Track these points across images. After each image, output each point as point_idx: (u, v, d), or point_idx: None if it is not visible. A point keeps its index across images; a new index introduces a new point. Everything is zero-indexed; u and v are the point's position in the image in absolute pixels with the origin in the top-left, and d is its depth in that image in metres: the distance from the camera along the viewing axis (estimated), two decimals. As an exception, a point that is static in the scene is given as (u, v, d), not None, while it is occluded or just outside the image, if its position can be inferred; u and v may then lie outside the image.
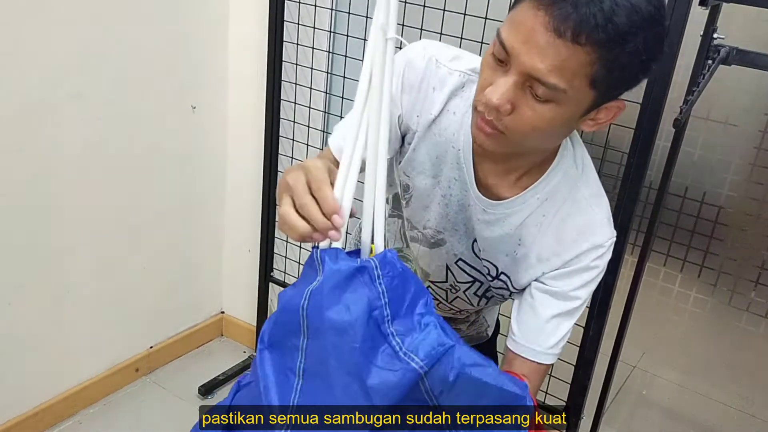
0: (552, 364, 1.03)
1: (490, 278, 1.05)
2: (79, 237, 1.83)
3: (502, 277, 1.03)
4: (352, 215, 0.77)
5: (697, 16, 1.29)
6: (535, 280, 1.00)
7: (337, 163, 0.79)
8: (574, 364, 1.62)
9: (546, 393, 1.73)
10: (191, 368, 2.25)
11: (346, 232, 1.49)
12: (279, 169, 2.07)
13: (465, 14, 1.58)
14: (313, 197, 0.75)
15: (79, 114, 1.73)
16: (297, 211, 0.75)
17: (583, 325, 1.59)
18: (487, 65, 0.83)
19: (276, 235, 2.15)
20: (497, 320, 1.40)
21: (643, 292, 1.63)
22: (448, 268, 1.09)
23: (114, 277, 1.98)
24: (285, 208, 0.76)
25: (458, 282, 1.10)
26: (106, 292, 1.97)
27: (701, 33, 1.31)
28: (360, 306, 0.72)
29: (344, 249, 0.77)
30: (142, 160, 1.94)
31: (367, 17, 1.79)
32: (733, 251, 2.10)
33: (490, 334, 1.37)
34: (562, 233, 0.96)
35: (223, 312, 2.42)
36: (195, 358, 2.31)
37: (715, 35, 1.30)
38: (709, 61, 1.31)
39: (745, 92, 2.06)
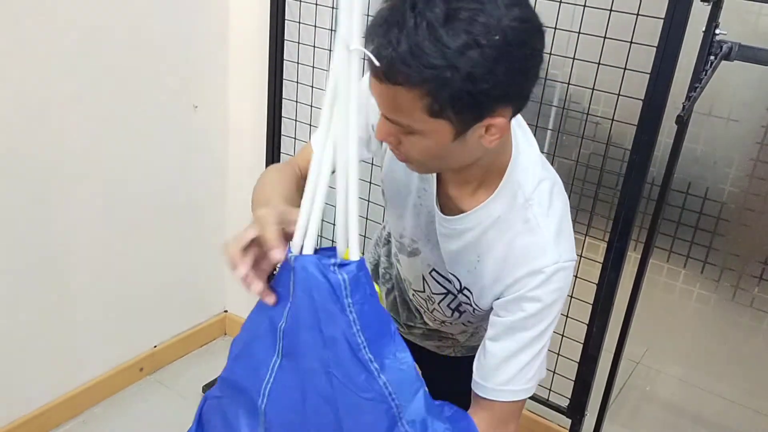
0: (519, 401, 0.93)
1: (456, 291, 1.03)
2: (82, 237, 1.84)
3: (465, 291, 1.00)
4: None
5: (699, 11, 1.29)
6: (490, 307, 0.95)
7: None
8: (578, 361, 1.63)
9: (550, 390, 1.73)
10: (195, 367, 2.26)
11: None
12: (281, 167, 2.07)
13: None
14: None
15: (81, 113, 1.73)
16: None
17: (587, 322, 1.59)
18: None
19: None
20: None
21: (647, 288, 1.63)
22: (423, 278, 1.09)
23: (117, 277, 1.98)
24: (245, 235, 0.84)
25: (433, 293, 1.09)
26: (109, 292, 1.97)
27: (703, 29, 1.31)
28: (337, 330, 0.73)
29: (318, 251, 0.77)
30: (145, 160, 1.94)
31: (368, 16, 1.79)
32: (736, 247, 2.10)
33: None
34: (509, 254, 0.91)
35: (226, 311, 2.43)
36: (199, 357, 2.31)
37: (717, 31, 1.30)
38: (712, 57, 1.30)
39: (748, 88, 2.06)
